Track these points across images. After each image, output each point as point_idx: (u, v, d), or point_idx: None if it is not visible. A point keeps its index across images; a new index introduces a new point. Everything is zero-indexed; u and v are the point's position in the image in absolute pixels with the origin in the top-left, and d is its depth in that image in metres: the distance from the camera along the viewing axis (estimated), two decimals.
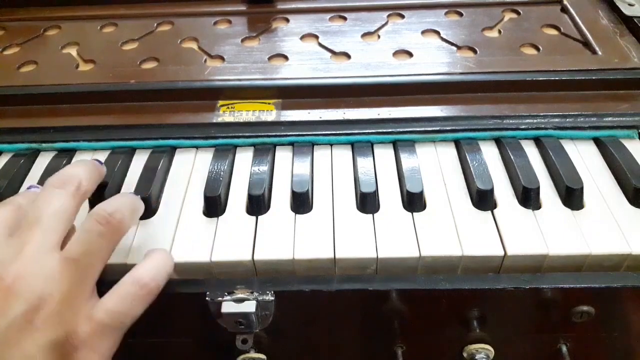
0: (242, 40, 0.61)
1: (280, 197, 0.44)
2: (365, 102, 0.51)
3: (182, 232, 0.41)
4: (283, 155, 0.48)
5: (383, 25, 0.62)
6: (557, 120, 0.48)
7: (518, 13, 0.63)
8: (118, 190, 0.45)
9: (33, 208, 0.35)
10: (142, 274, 0.35)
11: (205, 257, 0.40)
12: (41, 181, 0.46)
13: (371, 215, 0.42)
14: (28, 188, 0.41)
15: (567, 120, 0.49)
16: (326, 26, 0.63)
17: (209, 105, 0.52)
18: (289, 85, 0.53)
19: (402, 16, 0.64)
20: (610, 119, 0.49)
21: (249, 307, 0.38)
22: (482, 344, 0.43)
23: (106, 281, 0.35)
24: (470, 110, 0.50)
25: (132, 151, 0.49)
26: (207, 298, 0.38)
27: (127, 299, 0.34)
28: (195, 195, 0.44)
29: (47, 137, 0.50)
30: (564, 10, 0.63)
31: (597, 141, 0.48)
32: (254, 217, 0.42)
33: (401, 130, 0.49)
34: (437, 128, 0.48)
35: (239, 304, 0.38)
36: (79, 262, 0.34)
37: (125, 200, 0.38)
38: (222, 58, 0.58)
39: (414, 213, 0.42)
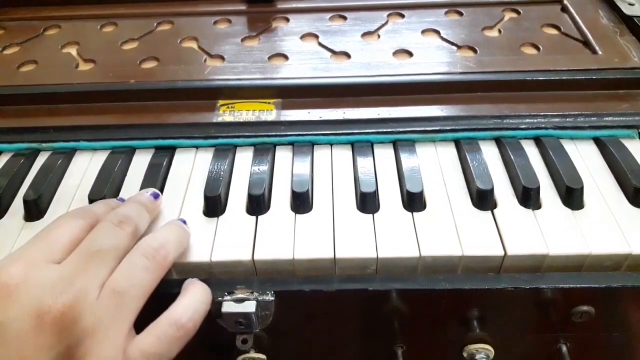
0: (242, 40, 0.61)
1: (280, 197, 0.44)
2: (365, 102, 0.51)
3: None
4: (283, 155, 0.48)
5: (383, 25, 0.62)
6: (557, 120, 0.48)
7: (518, 12, 0.63)
8: (118, 191, 0.45)
9: (88, 242, 0.35)
10: (180, 315, 0.34)
11: (205, 257, 0.40)
12: (37, 180, 0.46)
13: (371, 215, 0.42)
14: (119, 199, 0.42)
15: (567, 120, 0.49)
16: (326, 26, 0.63)
17: (209, 105, 0.52)
18: (289, 85, 0.53)
19: (402, 16, 0.64)
20: (610, 118, 0.48)
21: (249, 307, 0.38)
22: (482, 344, 0.43)
23: None
24: (470, 110, 0.50)
25: (132, 151, 0.49)
26: None
27: (163, 341, 0.33)
28: (195, 195, 0.44)
29: (47, 137, 0.50)
30: (564, 9, 0.63)
31: (597, 141, 0.48)
32: (254, 217, 0.42)
33: (401, 130, 0.49)
34: (437, 128, 0.48)
35: (239, 304, 0.38)
36: (124, 295, 0.33)
37: (172, 235, 0.38)
38: (222, 58, 0.58)
39: (414, 213, 0.42)
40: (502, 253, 0.39)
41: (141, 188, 0.45)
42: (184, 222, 0.41)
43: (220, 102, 0.52)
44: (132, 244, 0.37)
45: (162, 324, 0.34)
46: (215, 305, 0.38)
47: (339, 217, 0.42)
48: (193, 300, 0.36)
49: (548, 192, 0.43)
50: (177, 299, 0.36)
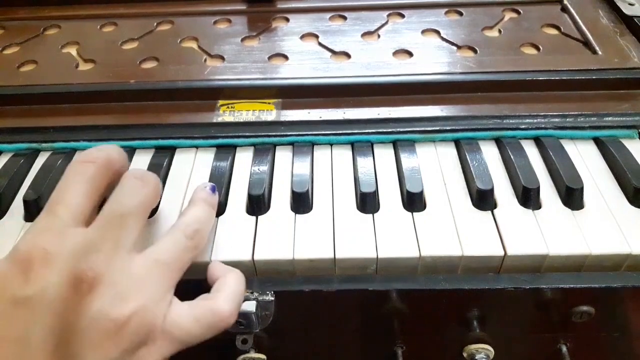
0: (242, 40, 0.61)
1: (280, 197, 0.44)
2: (365, 102, 0.51)
3: None
4: (283, 155, 0.48)
5: (383, 25, 0.62)
6: (557, 120, 0.48)
7: (518, 12, 0.63)
8: None
9: (115, 200, 0.35)
10: (223, 306, 0.35)
11: (205, 257, 0.40)
12: (37, 180, 0.46)
13: (371, 215, 0.42)
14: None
15: (567, 120, 0.49)
16: (326, 26, 0.63)
17: (209, 105, 0.52)
18: (289, 85, 0.53)
19: (402, 16, 0.64)
20: (610, 118, 0.49)
21: (249, 307, 0.38)
22: (482, 344, 0.43)
23: None
24: (470, 110, 0.50)
25: (132, 151, 0.49)
26: None
27: (203, 326, 0.34)
28: None
29: (47, 137, 0.50)
30: (564, 9, 0.63)
31: (597, 141, 0.48)
32: (254, 217, 0.42)
33: (401, 130, 0.49)
34: (437, 128, 0.48)
35: None
36: (170, 267, 0.34)
37: (207, 217, 0.39)
38: (222, 58, 0.58)
39: (414, 213, 0.42)
40: (502, 253, 0.39)
41: None
42: (213, 188, 0.41)
43: (220, 102, 0.52)
44: (156, 200, 0.37)
45: (205, 309, 0.34)
46: None
47: (339, 217, 0.42)
48: (237, 293, 0.36)
49: (548, 192, 0.43)
50: (218, 285, 0.36)
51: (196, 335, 0.34)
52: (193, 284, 0.37)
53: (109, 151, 0.38)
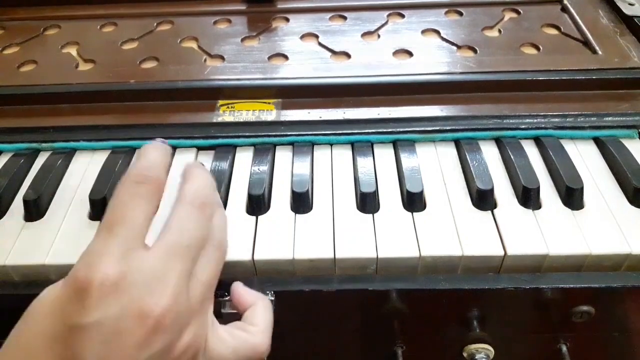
0: (242, 40, 0.61)
1: (280, 197, 0.44)
2: (365, 102, 0.51)
3: None
4: (283, 155, 0.48)
5: (383, 25, 0.62)
6: (557, 120, 0.48)
7: (518, 12, 0.63)
8: None
9: (177, 230, 0.33)
10: (262, 343, 0.35)
11: None
12: (37, 180, 0.46)
13: (371, 215, 0.42)
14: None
15: (567, 120, 0.49)
16: (326, 26, 0.63)
17: (208, 105, 0.52)
18: (289, 85, 0.53)
19: (402, 16, 0.64)
20: (610, 118, 0.49)
21: None
22: (482, 344, 0.43)
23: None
24: (470, 110, 0.50)
25: (132, 151, 0.49)
26: None
27: (236, 356, 0.34)
28: None
29: (47, 137, 0.50)
30: (564, 9, 0.63)
31: (597, 141, 0.48)
32: (253, 217, 0.42)
33: (401, 130, 0.49)
34: (437, 128, 0.48)
35: None
36: (211, 286, 0.34)
37: (225, 227, 0.37)
38: (222, 58, 0.58)
39: (414, 213, 0.42)
40: (502, 253, 0.39)
41: None
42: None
43: (220, 102, 0.52)
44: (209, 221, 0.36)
45: (244, 344, 0.34)
46: (216, 305, 0.38)
47: (339, 217, 0.42)
48: (270, 325, 0.36)
49: (548, 192, 0.43)
50: (256, 314, 0.36)
51: (230, 358, 0.34)
52: None
53: (160, 169, 0.36)
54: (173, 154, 0.48)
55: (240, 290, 0.38)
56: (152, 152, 0.36)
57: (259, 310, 0.36)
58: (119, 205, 0.32)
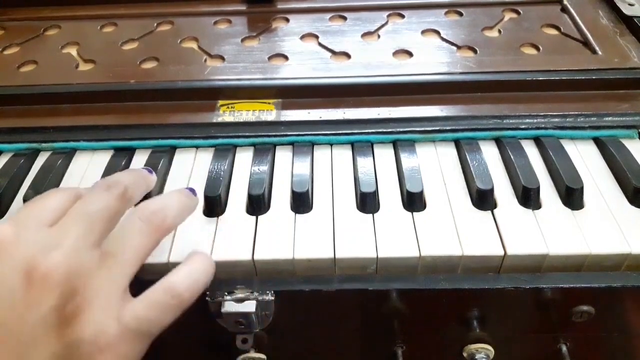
0: (242, 40, 0.61)
1: (280, 197, 0.44)
2: (365, 102, 0.51)
3: (181, 232, 0.41)
4: (283, 155, 0.48)
5: (383, 25, 0.62)
6: (557, 120, 0.48)
7: (518, 13, 0.63)
8: None
9: (77, 205, 0.35)
10: (176, 283, 0.34)
11: None
12: (37, 180, 0.46)
13: (371, 215, 0.42)
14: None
15: (567, 120, 0.49)
16: (326, 26, 0.63)
17: (209, 105, 0.52)
18: (289, 85, 0.53)
19: (402, 16, 0.64)
20: (610, 118, 0.49)
21: (249, 307, 0.38)
22: (482, 344, 0.43)
23: None
24: (470, 110, 0.50)
25: (132, 151, 0.49)
26: (207, 298, 0.38)
27: (157, 308, 0.33)
28: None
29: (47, 137, 0.50)
30: (564, 10, 0.63)
31: (597, 141, 0.48)
32: (254, 217, 0.42)
33: (401, 130, 0.49)
34: (437, 128, 0.48)
35: (239, 304, 0.38)
36: (116, 256, 0.33)
37: (173, 200, 0.37)
38: (222, 58, 0.58)
39: (414, 213, 0.42)
40: (502, 253, 0.39)
41: None
42: (192, 190, 0.40)
43: (220, 102, 0.52)
44: (124, 206, 0.36)
45: (157, 291, 0.33)
46: (215, 305, 0.38)
47: (339, 217, 0.42)
48: (193, 269, 0.35)
49: (548, 192, 0.43)
50: (178, 266, 0.35)
51: (155, 320, 0.33)
52: None
53: (126, 182, 0.37)
54: (173, 154, 0.49)
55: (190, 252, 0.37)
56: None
57: (187, 259, 0.36)
58: (41, 195, 0.36)
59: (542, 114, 0.49)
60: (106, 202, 0.35)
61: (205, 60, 0.58)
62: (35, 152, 0.50)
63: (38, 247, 0.31)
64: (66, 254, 0.31)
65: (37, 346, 0.30)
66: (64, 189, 0.37)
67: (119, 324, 0.32)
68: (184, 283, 0.34)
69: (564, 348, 0.44)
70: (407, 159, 0.46)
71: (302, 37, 0.61)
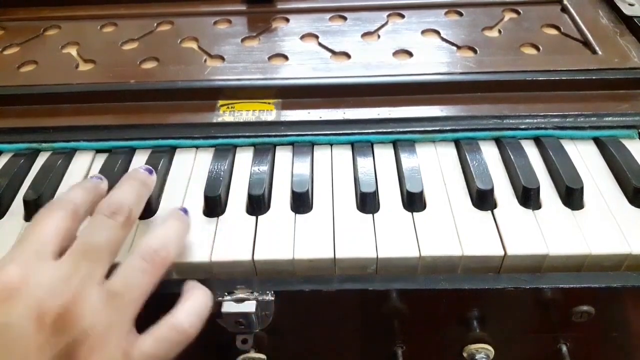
0: (242, 40, 0.61)
1: (280, 197, 0.44)
2: (365, 102, 0.51)
3: None
4: (283, 155, 0.48)
5: (383, 25, 0.62)
6: (557, 120, 0.48)
7: (518, 13, 0.63)
8: None
9: (83, 237, 0.35)
10: (181, 319, 0.35)
11: (205, 257, 0.40)
12: (37, 180, 0.46)
13: (371, 215, 0.42)
14: (90, 178, 0.41)
15: (567, 120, 0.49)
16: (326, 26, 0.63)
17: (209, 105, 0.52)
18: (289, 85, 0.53)
19: (402, 16, 0.64)
20: (610, 118, 0.49)
21: (249, 307, 0.38)
22: (482, 344, 0.43)
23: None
24: (470, 110, 0.50)
25: (132, 151, 0.49)
26: None
27: (164, 344, 0.34)
28: (195, 195, 0.44)
29: (47, 137, 0.50)
30: (564, 10, 0.63)
31: (597, 141, 0.48)
32: (254, 217, 0.42)
33: (401, 130, 0.49)
34: (437, 128, 0.48)
35: (239, 304, 0.38)
36: (123, 297, 0.33)
37: (172, 231, 0.38)
38: (222, 58, 0.58)
39: (414, 213, 0.42)
40: (502, 253, 0.39)
41: None
42: (185, 211, 0.40)
43: (220, 102, 0.52)
44: (127, 232, 0.37)
45: (165, 328, 0.34)
46: (215, 305, 0.38)
47: (339, 217, 0.42)
48: (195, 305, 0.36)
49: (548, 192, 0.43)
50: (179, 302, 0.36)
51: (161, 355, 0.34)
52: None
53: (80, 194, 0.38)
54: (173, 154, 0.49)
55: (186, 282, 0.38)
56: (84, 185, 0.39)
57: (188, 294, 0.37)
58: (35, 222, 0.35)
59: (542, 114, 0.49)
60: (112, 233, 0.35)
61: (205, 60, 0.58)
62: (35, 152, 0.50)
63: (46, 289, 0.31)
64: (76, 296, 0.31)
65: None
66: (59, 205, 0.36)
67: (129, 356, 0.32)
68: (188, 319, 0.35)
69: (564, 348, 0.44)
70: (407, 159, 0.46)
71: (302, 37, 0.61)
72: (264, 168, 0.46)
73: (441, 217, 0.42)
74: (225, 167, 0.46)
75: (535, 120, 0.48)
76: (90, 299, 0.32)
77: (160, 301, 0.36)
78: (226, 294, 0.38)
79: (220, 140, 0.49)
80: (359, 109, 0.51)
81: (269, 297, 0.38)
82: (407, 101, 0.51)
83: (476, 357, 0.43)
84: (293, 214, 0.42)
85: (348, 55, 0.57)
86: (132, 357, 0.33)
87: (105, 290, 0.33)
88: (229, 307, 0.38)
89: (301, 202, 0.43)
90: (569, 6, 0.63)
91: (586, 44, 0.57)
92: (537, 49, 0.57)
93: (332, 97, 0.52)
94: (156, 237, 0.37)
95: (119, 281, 0.34)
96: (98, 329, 0.32)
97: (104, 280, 0.34)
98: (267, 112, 0.51)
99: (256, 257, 0.39)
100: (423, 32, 0.61)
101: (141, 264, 0.35)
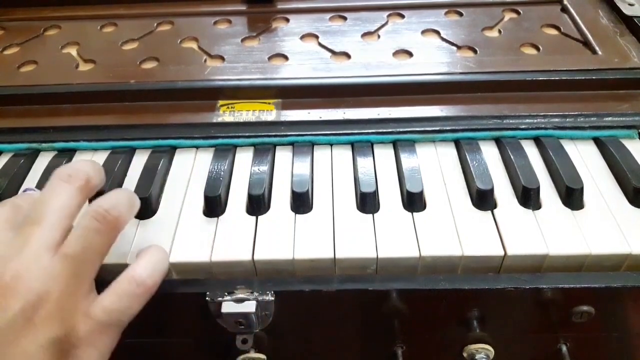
0: (242, 40, 0.61)
1: (280, 197, 0.44)
2: (365, 102, 0.51)
3: (182, 232, 0.41)
4: (283, 155, 0.48)
5: (383, 25, 0.62)
6: (557, 120, 0.48)
7: (518, 13, 0.63)
8: None
9: (39, 202, 0.35)
10: (138, 272, 0.35)
11: (205, 257, 0.40)
12: (41, 182, 0.46)
13: (371, 215, 0.42)
14: (24, 191, 0.41)
15: (567, 120, 0.49)
16: (326, 26, 0.63)
17: (209, 105, 0.52)
18: (289, 85, 0.53)
19: (402, 16, 0.64)
20: (610, 118, 0.48)
21: (249, 307, 0.38)
22: (482, 344, 0.43)
23: (106, 281, 0.35)
24: (470, 110, 0.50)
25: (132, 151, 0.49)
26: (207, 298, 0.38)
27: (124, 297, 0.34)
28: (195, 195, 0.44)
29: (47, 137, 0.50)
30: (564, 10, 0.63)
31: (597, 141, 0.48)
32: (254, 217, 0.42)
33: (401, 130, 0.49)
34: (437, 128, 0.48)
35: (239, 304, 0.38)
36: (77, 259, 0.33)
37: (123, 196, 0.38)
38: (222, 58, 0.58)
39: (414, 213, 0.42)
40: (502, 253, 0.39)
41: None
42: None
43: (220, 102, 0.52)
44: (85, 197, 0.36)
45: (122, 282, 0.35)
46: (215, 305, 0.38)
47: (339, 217, 0.42)
48: (152, 259, 0.36)
49: (548, 192, 0.43)
50: (136, 259, 0.36)
51: (123, 310, 0.34)
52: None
53: (89, 171, 0.37)
54: (173, 154, 0.49)
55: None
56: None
57: (145, 251, 0.37)
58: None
59: (542, 114, 0.49)
60: (68, 197, 0.35)
61: (205, 61, 0.58)
62: (35, 152, 0.50)
63: (1, 258, 0.32)
64: (26, 261, 0.32)
65: (10, 349, 0.31)
66: (16, 198, 0.37)
67: (89, 319, 0.33)
68: (145, 271, 0.35)
69: (564, 348, 0.44)
70: (407, 159, 0.46)
71: (302, 37, 0.61)
72: (264, 168, 0.46)
73: (441, 217, 0.42)
74: (225, 167, 0.46)
75: (535, 120, 0.48)
76: (43, 263, 0.32)
77: (160, 301, 0.36)
78: (226, 294, 0.38)
79: (220, 140, 0.49)
80: (359, 109, 0.51)
81: (269, 297, 0.38)
82: (407, 101, 0.51)
83: (476, 357, 0.43)
84: (293, 214, 0.42)
85: (348, 55, 0.57)
86: (92, 316, 0.33)
87: (59, 253, 0.33)
88: (229, 307, 0.38)
89: (301, 202, 0.43)
90: (569, 6, 0.63)
91: (586, 44, 0.57)
92: (537, 49, 0.57)
93: (332, 97, 0.52)
94: (106, 199, 0.36)
95: (72, 243, 0.34)
96: (53, 292, 0.32)
97: (58, 243, 0.34)
98: (267, 112, 0.51)
99: (256, 257, 0.39)
100: (423, 32, 0.61)
101: (93, 223, 0.35)
